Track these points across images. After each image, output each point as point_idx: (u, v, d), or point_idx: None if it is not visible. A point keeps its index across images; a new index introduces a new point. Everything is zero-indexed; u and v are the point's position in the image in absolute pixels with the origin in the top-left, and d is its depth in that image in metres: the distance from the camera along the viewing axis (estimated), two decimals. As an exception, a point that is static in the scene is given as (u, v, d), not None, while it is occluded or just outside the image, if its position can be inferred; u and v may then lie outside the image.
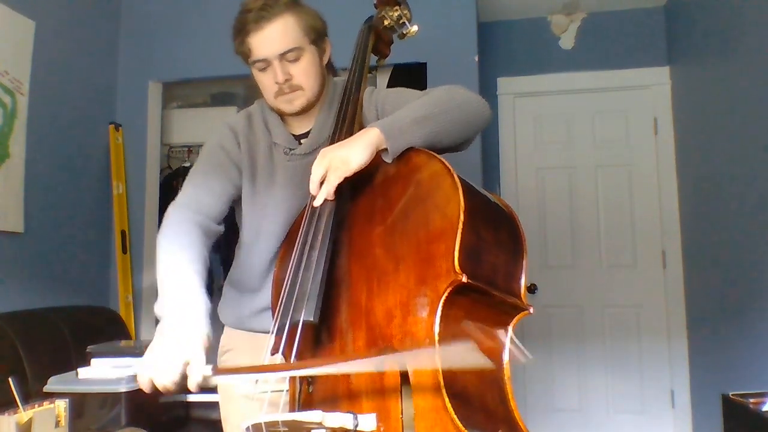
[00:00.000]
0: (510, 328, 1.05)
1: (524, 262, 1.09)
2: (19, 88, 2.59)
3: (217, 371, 1.00)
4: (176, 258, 1.18)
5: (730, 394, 2.00)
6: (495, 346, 1.04)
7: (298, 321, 1.04)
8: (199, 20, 3.30)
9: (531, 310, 1.04)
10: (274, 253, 1.34)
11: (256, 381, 1.16)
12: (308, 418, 0.92)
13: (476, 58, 3.13)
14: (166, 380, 0.99)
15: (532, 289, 3.68)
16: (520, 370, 3.67)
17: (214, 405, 2.72)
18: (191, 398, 2.64)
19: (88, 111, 3.11)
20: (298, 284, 1.08)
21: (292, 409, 1.13)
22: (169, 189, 3.57)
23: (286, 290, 1.09)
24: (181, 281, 1.14)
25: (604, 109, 3.74)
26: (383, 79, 3.40)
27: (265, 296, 1.31)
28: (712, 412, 2.82)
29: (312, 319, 1.03)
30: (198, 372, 0.98)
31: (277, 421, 0.93)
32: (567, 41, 3.76)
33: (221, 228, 1.35)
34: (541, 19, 3.78)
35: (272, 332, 1.07)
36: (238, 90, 4.00)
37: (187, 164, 3.76)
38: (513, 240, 1.11)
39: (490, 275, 1.02)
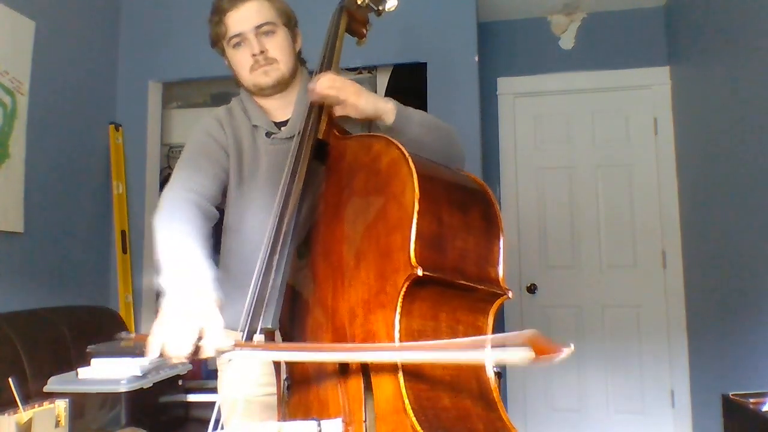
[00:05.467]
0: (490, 316, 0.99)
1: (501, 243, 1.02)
2: (19, 88, 2.59)
3: (237, 345, 0.96)
4: (176, 232, 1.16)
5: (730, 394, 2.00)
6: (472, 336, 0.97)
7: (257, 328, 1.00)
8: (200, 20, 3.27)
9: (510, 295, 0.99)
10: (258, 242, 1.29)
11: (229, 360, 1.12)
12: (264, 430, 0.89)
13: (476, 58, 3.13)
14: (180, 349, 0.96)
15: (532, 289, 3.68)
16: (520, 370, 3.68)
17: (215, 405, 2.71)
18: (191, 398, 2.64)
19: (88, 111, 3.10)
20: (257, 290, 1.04)
21: (280, 410, 1.12)
22: (169, 189, 3.57)
23: (251, 296, 1.05)
24: (184, 251, 1.11)
25: (604, 109, 3.74)
26: (383, 78, 3.40)
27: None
28: (712, 412, 2.82)
29: (270, 326, 1.00)
30: (215, 341, 0.96)
31: None
32: (567, 41, 3.76)
33: (217, 213, 1.34)
34: (541, 19, 3.78)
35: (243, 338, 1.02)
36: (238, 90, 3.99)
37: (187, 164, 3.75)
38: (486, 221, 1.03)
39: (458, 263, 0.97)
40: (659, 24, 3.65)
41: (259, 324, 1.00)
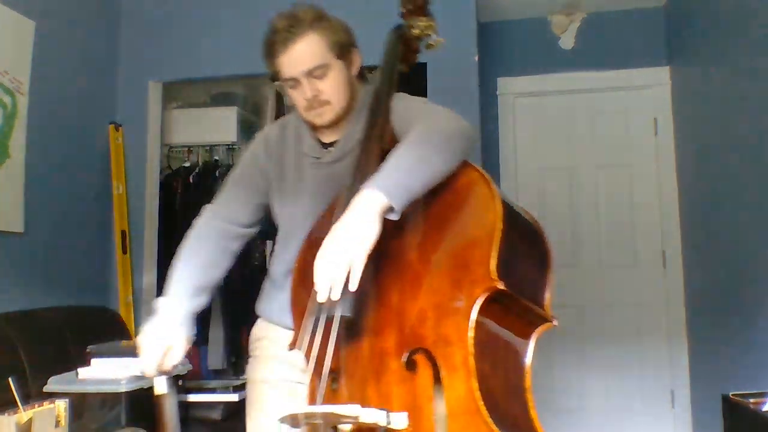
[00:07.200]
0: (533, 339, 1.08)
1: (550, 276, 1.16)
2: (19, 88, 2.59)
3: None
4: (182, 261, 1.39)
5: (730, 394, 2.00)
6: (518, 354, 1.07)
7: (334, 316, 1.05)
8: (199, 20, 3.30)
9: (555, 323, 1.09)
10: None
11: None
12: (346, 411, 0.95)
13: (476, 58, 3.13)
14: (146, 367, 1.32)
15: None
16: (520, 370, 3.67)
17: (215, 405, 2.71)
18: (191, 398, 2.64)
19: (88, 111, 3.10)
20: None
21: (316, 399, 1.13)
22: (169, 189, 3.56)
23: None
24: (176, 282, 1.35)
25: (604, 109, 3.74)
26: (383, 79, 3.39)
27: (288, 295, 1.34)
28: (712, 412, 2.81)
29: (348, 314, 1.05)
30: (173, 361, 1.35)
31: (316, 413, 0.97)
32: (567, 41, 3.76)
33: (251, 230, 1.51)
34: (541, 19, 3.78)
35: (313, 327, 1.09)
36: (238, 90, 3.99)
37: (186, 164, 3.74)
38: (540, 253, 1.17)
39: (519, 284, 1.05)
40: (659, 24, 3.65)
41: (338, 312, 1.04)
